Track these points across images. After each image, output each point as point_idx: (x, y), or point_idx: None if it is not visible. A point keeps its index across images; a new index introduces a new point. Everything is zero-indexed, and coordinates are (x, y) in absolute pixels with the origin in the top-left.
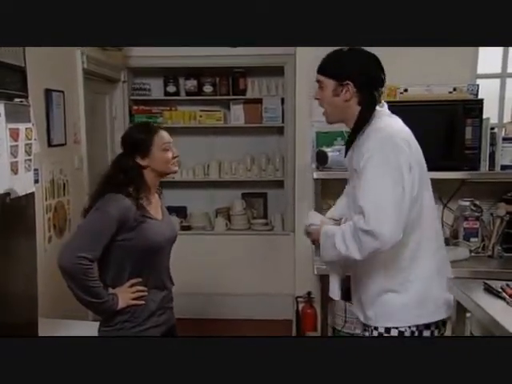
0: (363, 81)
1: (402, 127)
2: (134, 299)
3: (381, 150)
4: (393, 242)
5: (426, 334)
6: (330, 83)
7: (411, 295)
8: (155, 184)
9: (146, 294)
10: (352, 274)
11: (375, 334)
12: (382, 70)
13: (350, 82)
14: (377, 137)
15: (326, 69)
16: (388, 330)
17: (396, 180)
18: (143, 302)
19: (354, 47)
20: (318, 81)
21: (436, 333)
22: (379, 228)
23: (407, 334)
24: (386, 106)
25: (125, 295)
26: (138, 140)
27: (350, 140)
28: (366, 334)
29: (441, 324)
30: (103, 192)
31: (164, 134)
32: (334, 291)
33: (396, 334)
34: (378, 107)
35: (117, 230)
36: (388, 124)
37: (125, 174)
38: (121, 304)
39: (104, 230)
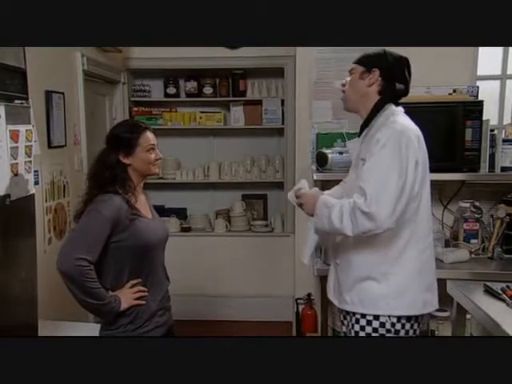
0: (389, 72)
1: (415, 126)
2: (135, 299)
3: (395, 141)
4: (385, 227)
5: (407, 326)
6: (359, 68)
7: (391, 286)
8: (139, 183)
9: (146, 294)
10: (333, 259)
11: (356, 327)
12: (409, 73)
13: (376, 70)
14: (393, 128)
15: (359, 58)
16: (369, 321)
17: (401, 173)
18: (145, 302)
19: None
20: (351, 69)
21: (416, 326)
22: (377, 212)
23: (388, 324)
24: (401, 109)
25: (127, 296)
26: (124, 138)
27: (366, 122)
28: (345, 322)
29: (420, 319)
30: (92, 194)
31: (150, 136)
32: (307, 256)
33: (377, 326)
34: (394, 107)
35: (111, 230)
36: (403, 120)
37: (110, 172)
38: (123, 305)
39: (99, 230)
